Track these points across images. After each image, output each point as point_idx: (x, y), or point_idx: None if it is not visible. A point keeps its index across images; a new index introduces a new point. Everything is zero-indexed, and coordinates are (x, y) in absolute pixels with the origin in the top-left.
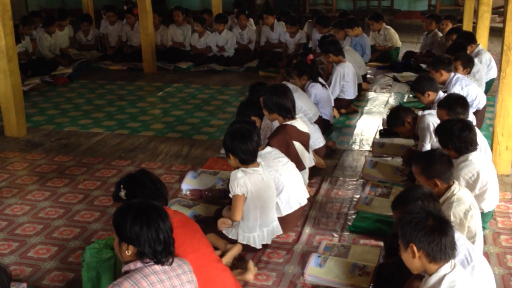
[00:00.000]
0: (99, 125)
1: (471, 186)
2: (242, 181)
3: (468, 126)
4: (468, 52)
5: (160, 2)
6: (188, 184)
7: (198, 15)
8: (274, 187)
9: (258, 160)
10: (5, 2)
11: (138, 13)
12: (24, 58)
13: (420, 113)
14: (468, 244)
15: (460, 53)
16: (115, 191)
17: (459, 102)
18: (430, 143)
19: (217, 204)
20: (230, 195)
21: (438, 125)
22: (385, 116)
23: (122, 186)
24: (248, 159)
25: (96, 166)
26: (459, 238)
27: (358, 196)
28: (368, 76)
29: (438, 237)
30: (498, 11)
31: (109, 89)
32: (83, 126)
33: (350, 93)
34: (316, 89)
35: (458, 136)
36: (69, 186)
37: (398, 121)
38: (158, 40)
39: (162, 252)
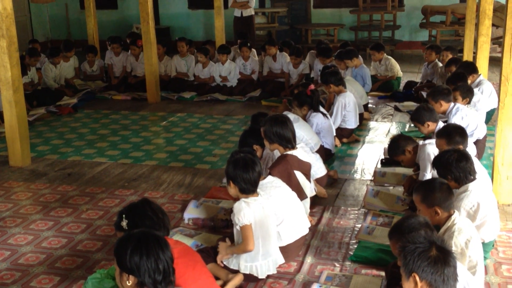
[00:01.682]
0: (102, 154)
1: (471, 216)
2: (248, 211)
3: (465, 156)
4: (469, 82)
5: (165, 33)
6: (190, 213)
7: (201, 46)
8: (274, 216)
9: (258, 190)
10: (12, 34)
11: (142, 44)
12: (30, 88)
13: (420, 142)
14: (468, 276)
15: (459, 83)
16: (117, 221)
17: (458, 132)
18: (430, 172)
19: (219, 234)
20: (237, 228)
21: (436, 157)
22: (386, 146)
23: (124, 216)
24: (248, 188)
25: (99, 196)
26: (459, 269)
27: (359, 225)
28: (369, 105)
29: (441, 268)
30: (498, 41)
31: (113, 119)
32: (87, 156)
33: (352, 123)
34: (317, 118)
35: (456, 166)
36: (72, 215)
37: (399, 150)
38: (162, 70)
39: (162, 282)
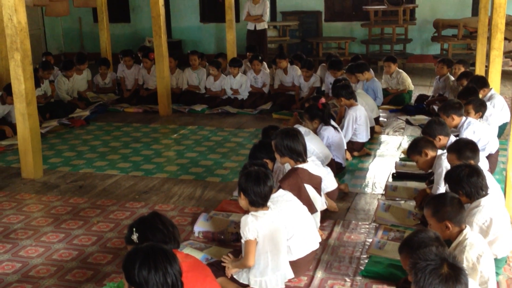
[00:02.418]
0: (114, 167)
1: (484, 232)
2: (253, 226)
3: (476, 170)
4: (481, 96)
5: (177, 46)
6: (200, 227)
7: (213, 59)
8: (284, 230)
9: (268, 204)
10: (26, 48)
11: (154, 57)
12: (43, 101)
13: (439, 152)
14: None
15: (472, 97)
16: (127, 234)
17: (469, 147)
18: (445, 186)
19: (229, 247)
20: (242, 241)
21: (447, 172)
22: (398, 160)
23: (134, 229)
24: (258, 202)
25: (110, 208)
26: (471, 285)
27: (370, 240)
28: (381, 119)
29: (453, 286)
30: (510, 55)
31: (124, 131)
32: (98, 168)
33: (363, 136)
34: (328, 132)
35: (467, 181)
36: (83, 228)
37: (416, 150)
38: (173, 83)
39: None
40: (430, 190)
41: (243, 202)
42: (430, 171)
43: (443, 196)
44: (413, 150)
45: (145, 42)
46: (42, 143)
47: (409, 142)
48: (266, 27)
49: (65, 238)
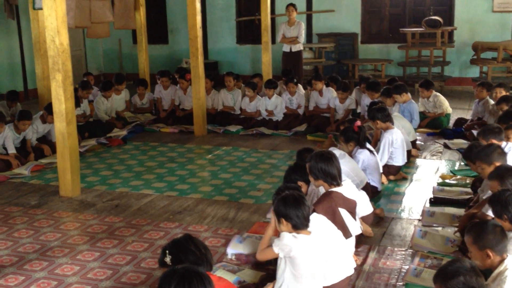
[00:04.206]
0: (149, 186)
1: None
2: (287, 244)
3: None
4: None
5: (213, 67)
6: (233, 249)
7: (249, 80)
8: (320, 255)
9: (309, 228)
10: (67, 68)
11: (190, 78)
12: (82, 120)
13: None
14: None
15: None
16: (160, 257)
17: (511, 173)
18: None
19: (262, 270)
20: (280, 256)
21: (492, 195)
22: (435, 184)
23: (167, 251)
24: (302, 223)
25: (144, 228)
26: None
27: (407, 267)
28: (418, 142)
29: None
30: None
31: (160, 151)
32: (134, 187)
33: (399, 160)
34: (363, 155)
35: None
36: (118, 247)
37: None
38: (209, 104)
39: None
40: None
41: (284, 228)
42: (469, 196)
43: (485, 223)
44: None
45: (182, 63)
46: (80, 162)
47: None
48: (302, 48)
49: (100, 257)
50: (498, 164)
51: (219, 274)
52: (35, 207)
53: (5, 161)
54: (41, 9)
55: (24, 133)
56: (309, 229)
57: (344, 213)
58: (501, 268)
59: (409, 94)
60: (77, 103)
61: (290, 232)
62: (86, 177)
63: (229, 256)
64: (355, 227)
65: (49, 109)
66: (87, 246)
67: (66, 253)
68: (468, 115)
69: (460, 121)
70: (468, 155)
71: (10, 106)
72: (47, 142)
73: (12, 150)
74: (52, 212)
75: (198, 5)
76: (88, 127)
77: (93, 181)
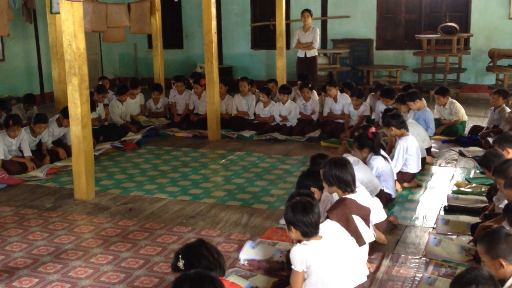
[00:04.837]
0: (163, 190)
1: None
2: (302, 257)
3: None
4: None
5: (227, 72)
6: (246, 254)
7: (263, 85)
8: (333, 261)
9: (320, 233)
10: (83, 72)
11: (205, 83)
12: (97, 124)
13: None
14: None
15: None
16: (173, 262)
17: None
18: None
19: (275, 276)
20: (292, 266)
21: (506, 205)
22: (450, 192)
23: (180, 256)
24: (310, 231)
25: (157, 232)
26: None
27: (420, 275)
28: (432, 150)
29: None
30: None
31: (174, 156)
32: (147, 191)
33: (414, 167)
34: (378, 162)
35: None
36: (131, 250)
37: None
38: (223, 109)
39: None
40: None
41: (294, 235)
42: (484, 205)
43: (498, 232)
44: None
45: (196, 68)
46: (95, 165)
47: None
48: (316, 54)
49: (113, 260)
50: None
51: (232, 279)
52: (50, 210)
53: (21, 164)
54: (58, 13)
55: (40, 136)
56: (319, 234)
57: (357, 220)
58: None
59: (423, 101)
60: (93, 107)
61: (300, 240)
62: (101, 181)
63: (241, 262)
64: (369, 234)
65: (65, 112)
66: (100, 249)
67: (79, 256)
68: (484, 123)
69: (475, 129)
70: (484, 163)
71: (26, 109)
72: (62, 145)
73: (28, 153)
74: (67, 215)
75: (213, 10)
76: (103, 130)
77: (107, 185)
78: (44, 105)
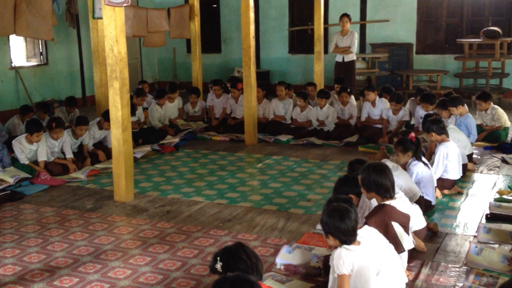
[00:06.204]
0: (200, 193)
1: None
2: (348, 260)
3: None
4: None
5: (264, 76)
6: (282, 259)
7: (301, 89)
8: (372, 268)
9: (359, 238)
10: (124, 76)
11: (242, 87)
12: (136, 127)
13: None
14: None
15: None
16: (212, 263)
17: None
18: None
19: (311, 282)
20: (335, 275)
21: None
22: (492, 200)
23: (218, 258)
24: (349, 239)
25: (195, 234)
26: None
27: (461, 284)
28: (474, 156)
29: None
30: None
31: (211, 159)
32: (185, 194)
33: (454, 174)
34: (418, 168)
35: None
36: (169, 252)
37: None
38: (260, 113)
39: None
40: None
41: (332, 242)
42: None
43: None
44: None
45: (234, 72)
46: (134, 168)
47: None
48: (355, 58)
49: (151, 262)
50: None
51: (268, 284)
52: (90, 211)
53: (63, 165)
54: (100, 18)
55: (81, 138)
56: (358, 239)
57: (396, 227)
58: None
59: (466, 107)
60: (133, 111)
61: (339, 246)
62: (140, 183)
63: (278, 266)
64: (408, 242)
65: (106, 115)
66: (139, 251)
67: (118, 256)
68: None
69: None
70: None
71: (68, 112)
72: (102, 148)
73: (69, 155)
74: (106, 216)
75: (252, 15)
76: (142, 134)
77: (146, 187)
78: (86, 108)
